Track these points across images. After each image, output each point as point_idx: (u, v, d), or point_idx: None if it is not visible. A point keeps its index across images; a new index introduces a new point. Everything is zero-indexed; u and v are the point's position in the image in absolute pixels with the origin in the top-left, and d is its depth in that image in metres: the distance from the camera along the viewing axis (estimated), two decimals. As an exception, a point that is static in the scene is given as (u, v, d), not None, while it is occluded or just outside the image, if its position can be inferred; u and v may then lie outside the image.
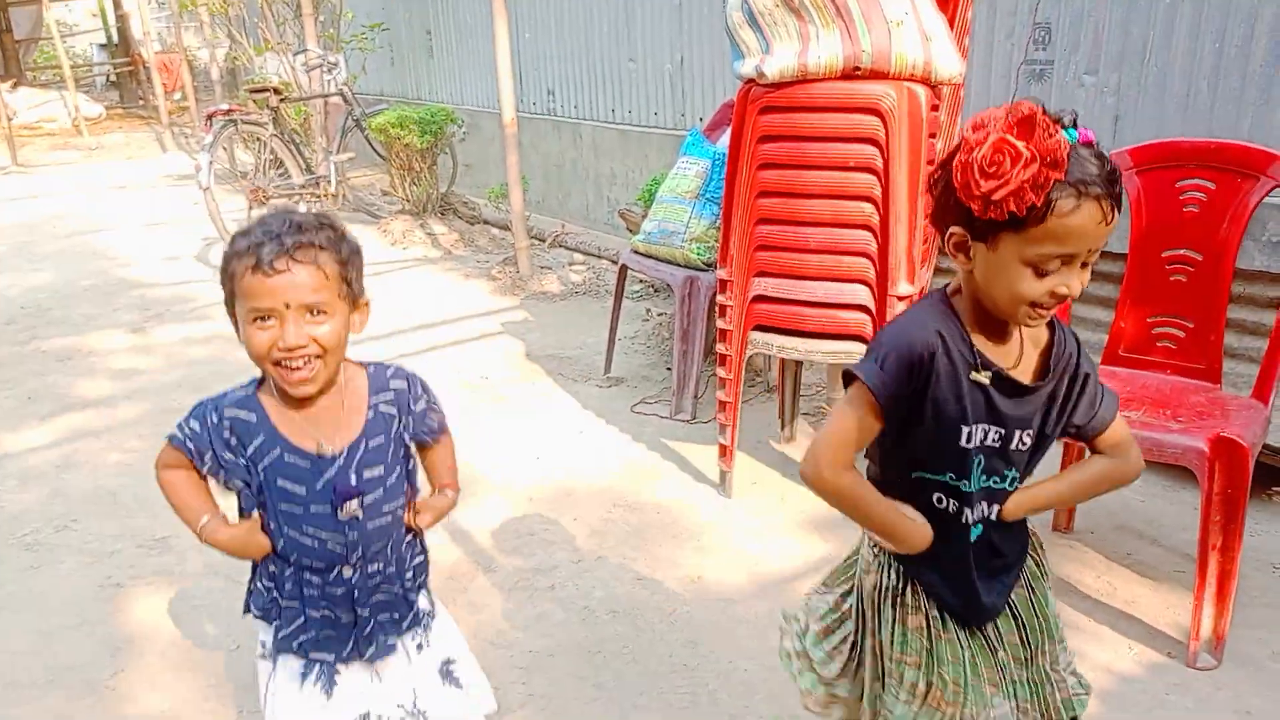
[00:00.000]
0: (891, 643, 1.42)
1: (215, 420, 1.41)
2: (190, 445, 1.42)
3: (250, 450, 1.40)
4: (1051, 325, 1.31)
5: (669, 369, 3.91)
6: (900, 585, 1.41)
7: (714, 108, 4.89)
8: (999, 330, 1.29)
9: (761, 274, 2.81)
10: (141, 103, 15.44)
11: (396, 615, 1.55)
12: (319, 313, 1.35)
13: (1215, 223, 2.37)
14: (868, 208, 2.61)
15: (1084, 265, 1.20)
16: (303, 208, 6.35)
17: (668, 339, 4.40)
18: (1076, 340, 1.35)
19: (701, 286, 3.48)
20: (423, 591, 1.63)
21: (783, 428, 3.43)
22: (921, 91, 2.51)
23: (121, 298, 5.50)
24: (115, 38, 16.80)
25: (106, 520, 2.99)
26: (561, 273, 5.69)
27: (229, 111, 6.19)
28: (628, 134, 6.28)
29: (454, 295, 5.41)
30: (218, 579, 2.63)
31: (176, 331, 4.88)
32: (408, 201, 6.72)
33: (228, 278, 1.35)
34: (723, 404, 2.97)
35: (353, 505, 1.43)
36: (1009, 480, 1.35)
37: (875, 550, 1.44)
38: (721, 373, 2.95)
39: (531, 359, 4.33)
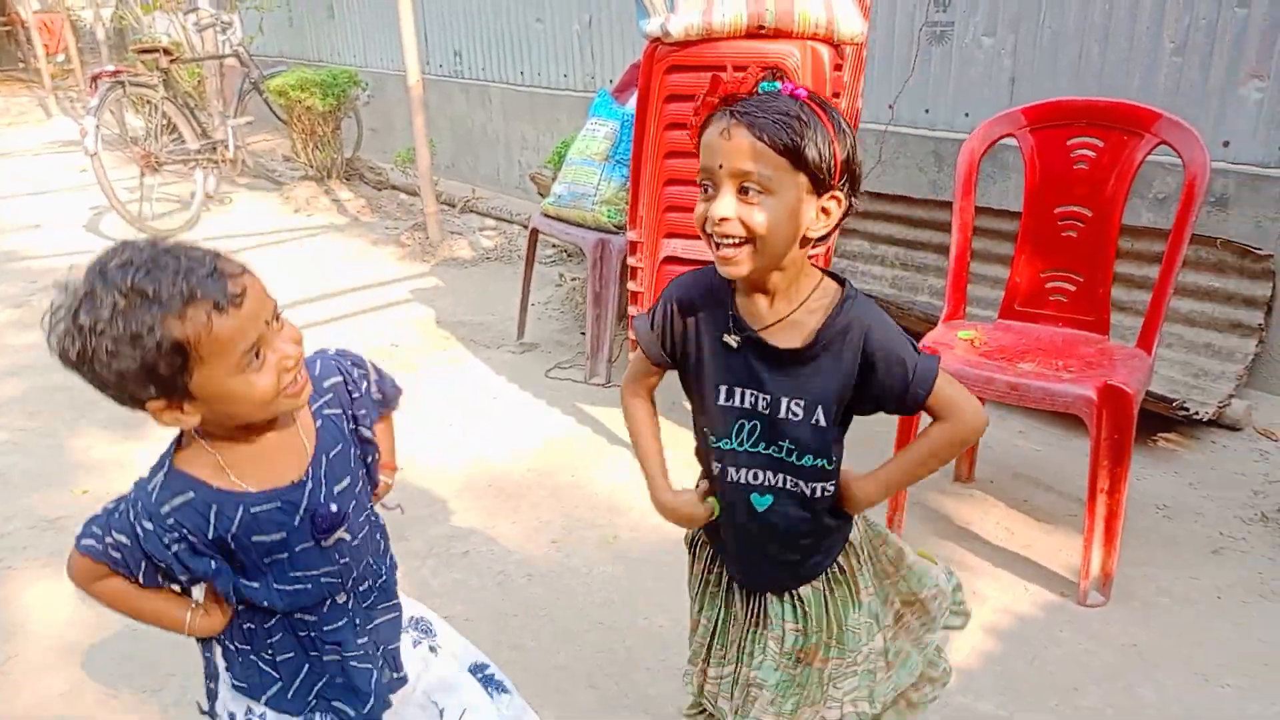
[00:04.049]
0: (697, 599, 1.55)
1: (152, 528, 1.14)
2: (119, 558, 1.16)
3: (210, 530, 1.16)
4: (843, 300, 1.26)
5: (583, 333, 3.90)
6: (705, 547, 1.51)
7: (624, 69, 4.85)
8: (766, 294, 1.29)
9: (671, 235, 2.81)
10: (21, 65, 14.59)
11: (393, 617, 1.39)
12: None
13: (1103, 179, 2.45)
14: (774, 167, 2.62)
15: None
16: (199, 174, 6.16)
17: (581, 303, 4.39)
18: (883, 322, 1.26)
19: (613, 249, 3.47)
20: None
21: (696, 388, 3.46)
22: (825, 51, 2.53)
23: (4, 269, 5.23)
24: (-11, -5, 15.80)
25: (-5, 502, 2.86)
26: (473, 238, 5.61)
27: (116, 73, 5.88)
28: (537, 96, 6.20)
29: (362, 262, 5.29)
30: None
31: (66, 304, 4.66)
32: (311, 167, 6.51)
33: None
34: (635, 366, 2.97)
35: (339, 532, 1.24)
36: (795, 455, 1.30)
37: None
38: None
39: (443, 326, 4.27)
